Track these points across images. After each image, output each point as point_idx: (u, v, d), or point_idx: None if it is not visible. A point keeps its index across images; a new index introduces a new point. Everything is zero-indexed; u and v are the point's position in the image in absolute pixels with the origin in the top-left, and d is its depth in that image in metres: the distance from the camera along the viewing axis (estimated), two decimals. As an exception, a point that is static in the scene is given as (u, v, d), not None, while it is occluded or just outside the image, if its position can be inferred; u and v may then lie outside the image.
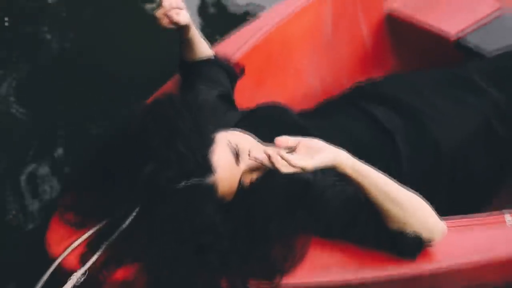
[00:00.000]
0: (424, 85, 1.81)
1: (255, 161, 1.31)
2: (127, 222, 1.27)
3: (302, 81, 2.12)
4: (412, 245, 1.26)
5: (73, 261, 1.28)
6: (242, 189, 1.32)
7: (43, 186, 2.17)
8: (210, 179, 1.27)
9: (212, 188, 1.27)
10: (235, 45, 1.93)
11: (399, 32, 2.32)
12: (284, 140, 1.19)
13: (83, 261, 1.27)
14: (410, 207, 1.25)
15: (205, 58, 1.71)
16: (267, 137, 1.42)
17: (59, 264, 1.27)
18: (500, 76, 1.79)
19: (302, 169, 1.18)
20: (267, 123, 1.54)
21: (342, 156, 1.24)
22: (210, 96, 1.58)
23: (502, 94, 1.73)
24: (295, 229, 1.30)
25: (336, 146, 1.28)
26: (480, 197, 1.71)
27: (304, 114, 1.70)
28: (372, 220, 1.28)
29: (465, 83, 1.81)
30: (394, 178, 1.29)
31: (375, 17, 2.32)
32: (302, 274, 1.26)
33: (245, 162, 1.32)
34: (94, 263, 1.26)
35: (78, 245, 1.30)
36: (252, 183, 1.33)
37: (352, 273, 1.26)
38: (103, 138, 1.41)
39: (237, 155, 1.31)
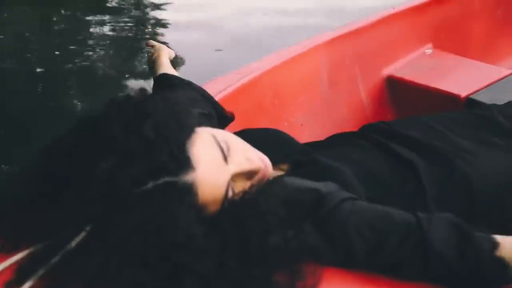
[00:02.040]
0: (443, 125, 1.54)
1: (250, 165, 1.00)
2: (75, 241, 0.91)
3: (296, 137, 1.84)
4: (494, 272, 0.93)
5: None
6: (231, 199, 0.99)
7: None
8: (187, 178, 0.93)
9: (190, 190, 0.93)
10: (220, 86, 1.67)
11: (401, 93, 2.11)
12: None
13: (7, 293, 0.89)
14: None
15: (186, 81, 1.44)
16: (268, 155, 1.13)
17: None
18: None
19: None
20: (266, 142, 1.24)
21: None
22: (192, 109, 1.27)
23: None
24: (303, 249, 0.95)
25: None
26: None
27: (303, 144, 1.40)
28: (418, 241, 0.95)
29: (488, 124, 1.54)
30: None
31: (374, 78, 2.12)
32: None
33: (236, 163, 1.01)
34: (23, 296, 0.88)
35: (1, 272, 0.93)
36: (245, 191, 1.00)
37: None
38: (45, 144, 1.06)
39: (225, 153, 1.00)
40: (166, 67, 1.63)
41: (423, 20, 2.28)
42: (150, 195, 0.91)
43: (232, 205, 0.98)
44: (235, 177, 1.01)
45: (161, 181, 0.91)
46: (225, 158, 1.00)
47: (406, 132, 1.49)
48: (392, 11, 2.20)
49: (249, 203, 0.97)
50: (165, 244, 0.88)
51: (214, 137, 1.01)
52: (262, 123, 1.73)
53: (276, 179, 1.07)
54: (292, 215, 0.98)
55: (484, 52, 2.38)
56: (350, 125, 1.97)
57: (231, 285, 0.88)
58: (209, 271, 0.88)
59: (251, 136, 1.26)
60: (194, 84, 1.53)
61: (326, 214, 0.99)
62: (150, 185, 0.91)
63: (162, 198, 0.91)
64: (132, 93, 1.05)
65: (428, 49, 2.26)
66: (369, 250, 0.97)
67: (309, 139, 1.88)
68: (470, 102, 1.92)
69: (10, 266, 0.93)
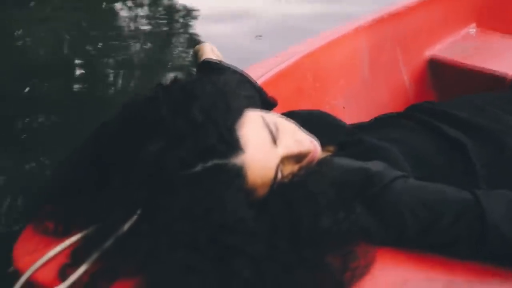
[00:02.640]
0: (491, 104, 1.50)
1: (299, 148, 0.98)
2: (126, 226, 0.92)
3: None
4: None
5: (49, 276, 0.91)
6: (281, 181, 0.98)
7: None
8: (236, 160, 0.93)
9: (239, 172, 0.92)
10: (260, 71, 1.66)
11: (444, 75, 2.06)
12: None
13: (63, 276, 0.90)
14: None
15: (230, 65, 1.43)
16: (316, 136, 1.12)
17: (29, 280, 0.91)
18: None
19: None
20: (312, 124, 1.22)
21: None
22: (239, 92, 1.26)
23: None
24: (355, 230, 0.93)
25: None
26: None
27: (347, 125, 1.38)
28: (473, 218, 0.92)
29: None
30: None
31: (416, 60, 2.08)
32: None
33: (285, 145, 1.00)
34: (79, 278, 0.89)
35: (56, 255, 0.94)
36: (295, 174, 0.98)
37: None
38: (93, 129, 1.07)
39: (274, 135, 0.99)
40: (209, 54, 1.63)
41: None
42: (199, 177, 0.90)
43: (281, 188, 0.97)
44: (284, 159, 1.00)
45: (210, 163, 0.91)
46: (274, 140, 0.99)
47: (453, 111, 1.46)
48: (433, -9, 2.15)
49: (299, 185, 0.96)
50: (214, 227, 0.88)
51: (263, 118, 1.00)
52: (304, 106, 1.71)
53: (325, 160, 1.06)
54: (343, 196, 0.96)
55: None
56: (392, 108, 1.93)
57: (283, 267, 0.87)
58: (260, 253, 0.87)
59: (296, 118, 1.25)
60: (238, 68, 1.52)
61: (377, 193, 0.97)
62: (199, 167, 0.91)
63: (211, 181, 0.90)
64: (178, 77, 1.05)
65: (472, 29, 2.21)
66: (423, 228, 0.95)
67: (351, 121, 1.86)
68: (517, 82, 1.87)
69: (64, 249, 0.94)
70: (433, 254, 0.93)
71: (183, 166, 0.91)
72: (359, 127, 1.38)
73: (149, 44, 3.81)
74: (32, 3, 4.33)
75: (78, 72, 3.31)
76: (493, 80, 1.92)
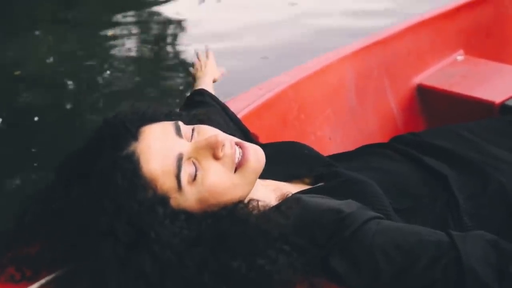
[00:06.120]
0: (475, 134, 1.47)
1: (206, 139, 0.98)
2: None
3: (324, 152, 1.79)
4: None
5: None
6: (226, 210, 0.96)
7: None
8: (129, 148, 0.95)
9: (131, 158, 0.93)
10: (243, 103, 1.63)
11: (432, 103, 2.04)
12: None
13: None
14: None
15: (219, 102, 1.43)
16: (286, 169, 1.13)
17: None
18: None
19: None
20: (288, 155, 1.20)
21: None
22: None
23: None
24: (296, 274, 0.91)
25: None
26: None
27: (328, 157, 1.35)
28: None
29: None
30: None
31: (404, 88, 2.05)
32: None
33: (194, 140, 0.99)
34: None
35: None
36: (238, 204, 0.97)
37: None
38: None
39: (180, 131, 0.98)
40: (206, 85, 1.61)
41: (453, 26, 2.21)
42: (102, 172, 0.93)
43: (218, 215, 0.94)
44: (198, 152, 0.97)
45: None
46: (179, 134, 0.97)
47: (437, 142, 1.43)
48: (419, 18, 2.14)
49: (241, 219, 0.93)
50: (122, 214, 0.90)
51: (176, 123, 0.99)
52: (288, 138, 1.68)
53: (293, 198, 1.03)
54: (309, 238, 0.93)
55: (519, 57, 2.30)
56: (380, 137, 1.91)
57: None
58: (168, 259, 0.88)
59: (272, 149, 1.22)
60: (221, 102, 1.50)
61: (349, 236, 0.93)
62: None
63: (108, 171, 0.92)
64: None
65: (459, 56, 2.19)
66: (397, 272, 0.91)
67: (338, 152, 1.83)
68: (504, 109, 1.84)
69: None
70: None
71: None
72: (340, 158, 1.35)
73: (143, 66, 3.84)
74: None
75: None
76: (481, 107, 1.89)
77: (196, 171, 0.95)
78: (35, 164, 2.63)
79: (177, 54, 4.07)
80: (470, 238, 0.92)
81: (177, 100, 3.13)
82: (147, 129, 0.98)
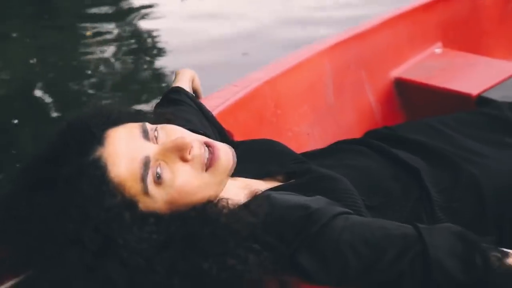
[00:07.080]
0: (450, 127, 1.47)
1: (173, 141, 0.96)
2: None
3: (302, 148, 1.79)
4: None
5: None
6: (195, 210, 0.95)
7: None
8: (95, 153, 0.93)
9: (97, 164, 0.91)
10: (218, 100, 1.62)
11: (410, 96, 2.04)
12: None
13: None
14: None
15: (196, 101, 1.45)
16: (259, 166, 1.14)
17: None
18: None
19: None
20: (260, 153, 1.19)
21: None
22: None
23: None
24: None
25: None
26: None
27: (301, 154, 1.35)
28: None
29: (499, 123, 1.47)
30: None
31: (382, 82, 2.05)
32: None
33: (161, 142, 0.97)
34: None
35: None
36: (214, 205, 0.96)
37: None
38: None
39: (147, 132, 0.97)
40: (182, 82, 1.59)
41: (430, 19, 2.21)
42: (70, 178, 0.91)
43: (188, 216, 0.94)
44: (162, 155, 0.95)
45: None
46: (146, 137, 0.96)
47: (411, 136, 1.43)
48: (397, 12, 2.13)
49: (211, 219, 0.93)
50: (88, 222, 0.89)
51: (143, 125, 0.98)
52: (265, 135, 1.67)
53: (262, 195, 1.02)
54: (277, 235, 0.93)
55: (496, 49, 2.30)
56: (359, 131, 1.91)
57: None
58: (137, 264, 0.87)
59: (246, 147, 1.22)
60: (197, 101, 1.50)
61: (317, 232, 0.93)
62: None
63: (76, 178, 0.91)
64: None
65: (437, 48, 2.19)
66: (366, 267, 0.91)
67: (316, 147, 1.83)
68: (481, 101, 1.84)
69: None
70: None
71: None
72: (313, 155, 1.35)
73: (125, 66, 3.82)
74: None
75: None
76: (459, 100, 1.89)
77: (163, 173, 0.94)
78: (17, 165, 2.61)
79: (160, 49, 4.05)
80: (437, 231, 0.92)
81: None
82: (113, 132, 0.96)
